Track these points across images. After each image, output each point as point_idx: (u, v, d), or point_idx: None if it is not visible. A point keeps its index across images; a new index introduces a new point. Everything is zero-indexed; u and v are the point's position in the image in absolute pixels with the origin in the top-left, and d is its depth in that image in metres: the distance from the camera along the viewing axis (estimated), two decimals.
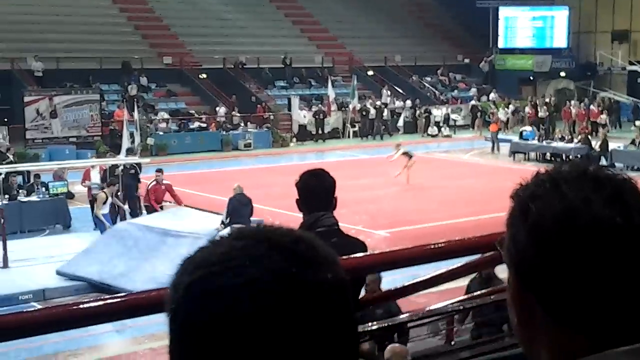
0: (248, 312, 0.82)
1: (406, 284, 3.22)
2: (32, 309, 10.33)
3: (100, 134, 30.72)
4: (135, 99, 31.46)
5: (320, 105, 35.70)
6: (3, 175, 17.89)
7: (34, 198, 18.57)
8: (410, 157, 23.51)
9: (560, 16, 44.83)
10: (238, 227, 0.93)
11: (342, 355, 0.87)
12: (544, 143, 28.53)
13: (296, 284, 0.85)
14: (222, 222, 15.59)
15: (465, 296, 5.06)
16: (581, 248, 0.96)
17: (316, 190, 3.84)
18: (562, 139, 28.69)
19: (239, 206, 16.14)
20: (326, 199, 3.82)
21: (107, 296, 2.35)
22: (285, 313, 0.83)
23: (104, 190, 17.15)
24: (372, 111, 35.75)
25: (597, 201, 0.97)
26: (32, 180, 20.05)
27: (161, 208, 17.33)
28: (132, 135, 25.91)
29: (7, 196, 17.18)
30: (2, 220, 14.54)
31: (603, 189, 0.99)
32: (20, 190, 18.76)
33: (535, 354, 1.01)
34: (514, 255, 1.02)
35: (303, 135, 34.46)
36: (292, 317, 0.83)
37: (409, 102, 38.08)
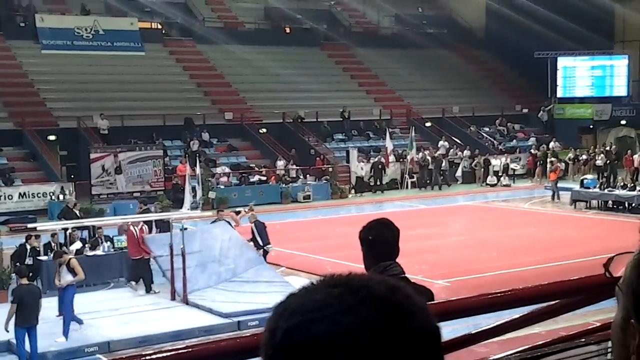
0: (346, 359, 0.84)
1: (471, 332, 3.27)
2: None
3: (163, 188, 31.32)
4: (197, 154, 32.08)
5: (378, 157, 35.86)
6: (70, 230, 18.42)
7: (99, 252, 18.98)
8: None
9: (620, 65, 44.44)
10: (330, 273, 0.95)
11: None
12: (606, 191, 28.10)
13: (392, 333, 0.86)
14: (261, 247, 17.75)
15: (528, 345, 5.00)
16: None
17: (388, 239, 3.94)
18: (624, 186, 28.22)
19: (263, 229, 18.02)
20: (395, 248, 3.93)
21: (186, 344, 2.43)
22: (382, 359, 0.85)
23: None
24: (430, 161, 35.77)
25: None
26: (96, 235, 20.51)
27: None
28: (194, 189, 26.37)
29: (73, 250, 17.58)
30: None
31: None
32: (86, 245, 19.19)
33: None
34: None
35: (361, 186, 34.59)
36: None
37: (467, 152, 37.99)
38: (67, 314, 13.74)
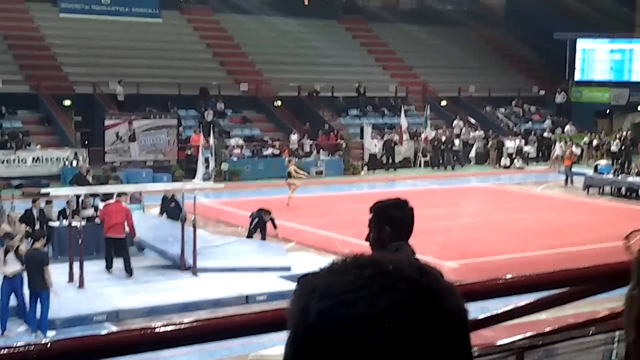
0: (381, 341, 0.85)
1: (479, 317, 3.24)
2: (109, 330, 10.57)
3: (176, 158, 31.35)
4: (211, 125, 32.04)
5: (392, 134, 35.72)
6: (82, 197, 18.48)
7: None
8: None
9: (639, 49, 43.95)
10: (354, 253, 0.95)
11: None
12: (619, 177, 27.91)
13: (425, 315, 0.88)
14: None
15: (535, 332, 4.98)
16: None
17: (408, 219, 3.93)
18: (638, 173, 28.02)
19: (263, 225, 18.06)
20: (409, 229, 3.91)
21: (207, 317, 2.38)
22: (414, 343, 0.86)
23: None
24: (443, 141, 35.64)
25: None
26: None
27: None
28: (207, 160, 26.36)
29: (85, 217, 17.64)
30: (80, 241, 14.93)
31: None
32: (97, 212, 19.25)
33: None
34: None
35: (374, 163, 34.50)
36: (420, 347, 0.87)
37: (479, 133, 37.80)
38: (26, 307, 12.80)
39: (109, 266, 15.77)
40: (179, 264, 15.93)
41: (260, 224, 18.12)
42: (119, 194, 17.15)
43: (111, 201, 16.67)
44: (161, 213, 19.09)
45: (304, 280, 0.94)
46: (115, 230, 15.72)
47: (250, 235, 18.24)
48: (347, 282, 0.90)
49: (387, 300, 0.87)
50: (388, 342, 0.86)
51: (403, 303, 0.88)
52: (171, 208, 18.73)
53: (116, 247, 15.77)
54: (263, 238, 18.13)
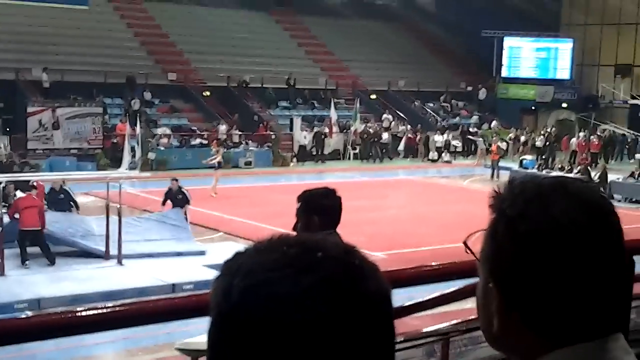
0: (303, 319, 0.85)
1: (404, 304, 3.23)
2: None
3: (101, 146, 30.77)
4: (138, 114, 31.54)
5: (321, 127, 35.80)
6: (3, 185, 17.93)
7: None
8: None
9: (565, 48, 45.06)
10: (279, 233, 0.95)
11: None
12: (544, 172, 28.57)
13: (349, 293, 0.87)
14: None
15: (461, 319, 5.06)
16: (569, 267, 1.06)
17: (336, 208, 3.90)
18: (561, 169, 28.74)
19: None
20: (337, 218, 3.89)
21: (132, 300, 2.32)
22: (337, 322, 0.85)
23: None
24: (371, 134, 35.89)
25: (584, 223, 1.07)
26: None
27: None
28: (133, 149, 25.98)
29: (5, 205, 17.13)
30: (1, 229, 14.51)
31: (588, 210, 1.08)
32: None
33: (508, 352, 1.13)
34: (498, 268, 1.10)
35: (303, 155, 34.53)
36: (343, 326, 0.86)
37: (403, 127, 38.20)
38: None
39: (24, 259, 15.19)
40: (100, 254, 15.64)
41: (170, 195, 18.16)
42: (29, 189, 16.64)
43: (22, 195, 16.10)
44: (48, 207, 17.82)
45: (229, 259, 0.93)
46: (31, 222, 15.18)
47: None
48: (272, 260, 0.89)
49: (311, 278, 0.86)
50: (311, 320, 0.85)
51: (327, 281, 0.87)
52: (59, 199, 18.07)
53: (33, 239, 15.30)
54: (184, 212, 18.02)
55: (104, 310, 2.14)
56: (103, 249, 15.69)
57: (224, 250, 16.01)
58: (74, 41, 36.54)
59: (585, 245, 1.06)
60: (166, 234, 16.98)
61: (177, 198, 18.33)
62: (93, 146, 30.65)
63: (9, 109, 31.86)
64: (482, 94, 44.30)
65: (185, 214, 18.08)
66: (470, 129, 39.74)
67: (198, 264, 14.86)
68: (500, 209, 1.11)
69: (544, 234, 1.05)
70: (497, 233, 1.10)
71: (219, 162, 25.26)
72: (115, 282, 13.88)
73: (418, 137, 37.61)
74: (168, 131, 33.13)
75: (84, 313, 2.12)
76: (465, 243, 1.22)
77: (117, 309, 2.18)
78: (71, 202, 18.54)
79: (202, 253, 16.06)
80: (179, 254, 15.93)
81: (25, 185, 17.58)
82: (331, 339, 0.85)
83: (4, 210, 15.74)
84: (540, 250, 1.05)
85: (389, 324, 0.92)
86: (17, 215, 15.36)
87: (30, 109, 29.86)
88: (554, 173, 28.19)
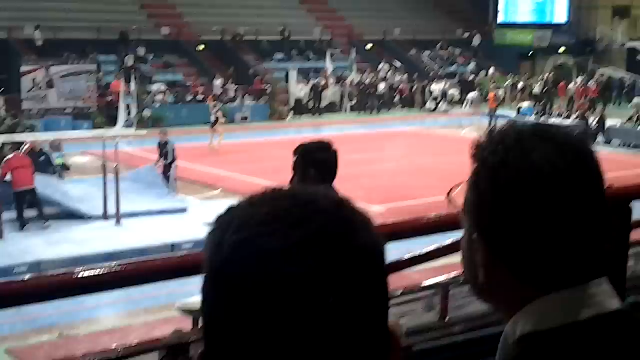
0: (293, 273, 0.83)
1: (402, 258, 3.22)
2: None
3: (96, 105, 30.61)
4: (132, 70, 31.31)
5: (318, 79, 35.58)
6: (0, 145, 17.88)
7: None
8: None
9: None
10: (273, 187, 0.93)
11: (378, 316, 0.90)
12: (542, 119, 28.50)
13: (340, 247, 0.86)
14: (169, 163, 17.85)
15: (459, 272, 5.06)
16: (550, 213, 1.07)
17: (329, 162, 3.88)
18: (559, 115, 28.67)
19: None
20: (333, 172, 3.86)
21: (129, 261, 2.33)
22: (328, 275, 0.85)
23: None
24: (368, 85, 35.70)
25: (564, 168, 1.08)
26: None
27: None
28: (128, 107, 25.83)
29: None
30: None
31: (569, 155, 1.09)
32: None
33: (495, 302, 1.16)
34: (481, 217, 1.11)
35: (300, 108, 34.38)
36: (335, 278, 0.85)
37: (399, 77, 37.95)
38: None
39: (23, 224, 15.08)
40: (98, 215, 15.64)
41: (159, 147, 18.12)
42: (16, 147, 16.50)
43: (11, 156, 15.76)
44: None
45: (221, 213, 0.91)
46: (25, 182, 15.12)
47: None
48: (263, 214, 0.87)
49: (301, 231, 0.85)
50: (300, 274, 0.84)
51: (317, 235, 0.86)
52: (41, 162, 17.75)
53: (30, 199, 15.23)
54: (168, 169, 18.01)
55: (103, 271, 2.16)
56: (85, 210, 15.70)
57: (223, 207, 16.01)
58: None
59: (566, 190, 1.07)
60: (143, 193, 16.87)
61: (163, 151, 18.27)
62: (88, 105, 30.48)
63: (2, 69, 31.58)
64: (477, 40, 43.93)
65: (168, 168, 17.95)
66: (470, 78, 39.46)
67: (198, 222, 14.89)
68: (481, 158, 1.12)
69: (525, 181, 1.07)
70: (479, 182, 1.11)
71: (217, 118, 25.17)
72: (115, 243, 13.82)
73: (415, 86, 37.40)
74: (163, 87, 32.91)
75: (82, 274, 2.13)
76: (448, 195, 1.23)
77: (116, 269, 2.19)
78: (53, 164, 18.46)
79: (183, 210, 16.13)
80: (161, 212, 15.89)
81: (19, 146, 17.46)
82: (322, 293, 0.84)
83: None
84: (521, 197, 1.07)
85: (382, 278, 0.91)
86: (8, 177, 15.15)
87: (23, 68, 29.62)
88: (552, 120, 28.14)
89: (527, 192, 1.07)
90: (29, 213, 15.35)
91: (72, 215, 15.79)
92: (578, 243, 1.08)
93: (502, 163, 1.09)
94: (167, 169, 18.10)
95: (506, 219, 1.07)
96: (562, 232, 1.07)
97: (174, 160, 18.13)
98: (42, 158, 18.01)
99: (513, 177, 1.07)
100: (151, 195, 16.99)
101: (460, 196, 1.17)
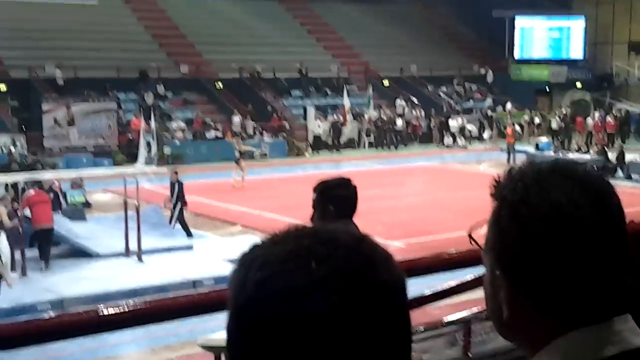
0: (317, 310, 0.85)
1: (424, 293, 3.23)
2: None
3: (117, 142, 30.85)
4: (152, 108, 31.60)
5: (335, 115, 35.72)
6: (22, 184, 17.99)
7: None
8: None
9: (577, 27, 44.67)
10: (295, 225, 0.96)
11: (401, 352, 0.91)
12: (560, 154, 28.40)
13: (362, 283, 0.87)
14: (172, 204, 17.66)
15: (482, 307, 5.04)
16: (571, 248, 1.08)
17: (352, 198, 3.91)
18: (578, 150, 28.56)
19: (182, 189, 17.83)
20: (353, 208, 3.90)
21: (151, 297, 2.33)
22: (350, 312, 0.86)
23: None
24: (386, 121, 35.79)
25: (585, 205, 1.09)
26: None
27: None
28: (148, 144, 26.05)
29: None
30: (21, 229, 14.57)
31: (589, 192, 1.10)
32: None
33: (519, 339, 1.15)
34: (503, 255, 1.12)
35: (318, 144, 34.49)
36: (358, 315, 0.86)
37: (415, 113, 38.04)
38: None
39: (47, 260, 15.00)
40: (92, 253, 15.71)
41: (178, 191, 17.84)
42: (34, 184, 16.59)
43: (31, 192, 15.74)
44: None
45: (245, 251, 0.94)
46: (45, 219, 15.11)
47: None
48: (286, 252, 0.89)
49: (324, 268, 0.87)
50: (324, 311, 0.85)
51: (339, 271, 0.87)
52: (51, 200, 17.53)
53: (46, 238, 15.16)
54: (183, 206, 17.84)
55: (126, 309, 2.15)
56: (94, 248, 15.79)
57: (243, 243, 15.98)
58: (85, 37, 36.60)
59: (587, 227, 1.08)
60: (149, 232, 16.74)
61: (173, 190, 17.99)
62: (108, 142, 30.75)
63: (24, 108, 32.02)
64: (490, 76, 44.02)
65: (176, 208, 17.72)
66: (489, 113, 39.42)
67: (218, 259, 14.90)
68: (501, 196, 1.13)
69: (546, 218, 1.07)
70: (501, 220, 1.12)
71: (241, 152, 25.21)
72: (137, 280, 13.90)
73: (432, 122, 37.47)
74: (182, 124, 33.16)
75: (105, 311, 2.12)
76: (469, 234, 1.23)
77: (139, 306, 2.19)
78: (61, 202, 18.50)
79: (189, 248, 16.31)
80: (168, 250, 16.00)
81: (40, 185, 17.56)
82: (346, 329, 0.85)
83: (22, 210, 15.80)
84: (543, 234, 1.07)
85: (404, 314, 0.92)
86: (27, 213, 15.10)
87: (45, 107, 29.97)
88: (571, 155, 28.03)
89: (548, 229, 1.07)
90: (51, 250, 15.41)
91: (81, 253, 15.82)
92: (601, 279, 1.08)
93: (523, 201, 1.09)
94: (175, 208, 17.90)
95: (529, 256, 1.08)
96: (584, 268, 1.07)
97: (178, 201, 17.78)
98: (51, 195, 18.08)
99: (534, 214, 1.08)
100: (156, 234, 16.99)
101: (481, 233, 1.19)
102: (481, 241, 1.18)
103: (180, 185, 17.98)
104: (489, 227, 1.14)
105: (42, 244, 15.18)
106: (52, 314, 2.40)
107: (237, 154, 25.08)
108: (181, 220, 17.63)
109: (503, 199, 1.12)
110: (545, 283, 1.08)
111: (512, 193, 1.11)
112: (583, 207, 1.08)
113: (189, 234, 17.43)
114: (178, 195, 17.74)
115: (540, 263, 1.07)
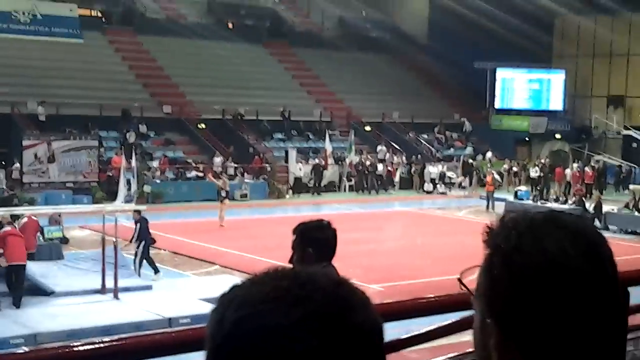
0: (294, 351, 0.86)
1: (401, 337, 3.23)
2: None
3: (97, 180, 30.75)
4: (133, 147, 31.59)
5: (317, 159, 35.88)
6: None
7: None
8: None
9: (557, 79, 45.36)
10: (275, 266, 0.97)
11: None
12: (539, 203, 28.62)
13: (338, 326, 0.89)
14: (132, 241, 17.36)
15: (458, 353, 5.01)
16: (562, 297, 1.07)
17: (328, 241, 3.92)
18: (556, 199, 28.79)
19: (146, 227, 17.56)
20: (332, 250, 3.90)
21: (127, 335, 2.30)
22: (329, 353, 0.87)
23: None
24: (367, 166, 35.99)
25: (577, 255, 1.08)
26: None
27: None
28: (129, 182, 25.98)
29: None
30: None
31: (581, 243, 1.10)
32: None
33: None
34: (494, 302, 1.11)
35: (299, 187, 34.55)
36: (335, 357, 0.87)
37: (396, 159, 38.29)
38: None
39: (20, 296, 14.68)
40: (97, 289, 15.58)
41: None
42: (12, 220, 16.39)
43: (7, 228, 15.48)
44: None
45: (225, 291, 0.95)
46: (18, 256, 14.82)
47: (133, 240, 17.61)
48: (264, 292, 0.91)
49: (301, 310, 0.88)
50: (301, 353, 0.86)
51: (317, 313, 0.88)
52: None
53: (17, 275, 14.82)
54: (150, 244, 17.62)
55: (100, 345, 2.12)
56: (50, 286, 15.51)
57: (220, 283, 15.94)
58: (69, 74, 36.70)
59: (579, 277, 1.07)
60: (107, 272, 16.34)
61: (135, 229, 17.68)
62: (89, 179, 30.63)
63: (5, 143, 31.88)
64: (468, 126, 44.48)
65: (140, 246, 17.38)
66: (469, 160, 39.70)
67: (194, 298, 14.81)
68: (494, 244, 1.12)
69: (539, 267, 1.07)
70: (493, 267, 1.11)
71: (226, 192, 25.17)
72: (112, 317, 13.79)
73: (413, 168, 37.69)
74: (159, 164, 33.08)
75: (80, 348, 2.09)
76: (459, 279, 1.24)
77: (114, 343, 2.16)
78: None
79: (149, 288, 16.07)
80: (126, 289, 15.67)
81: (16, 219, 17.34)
82: None
83: None
84: (536, 283, 1.07)
85: (380, 356, 0.93)
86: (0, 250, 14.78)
87: (25, 142, 29.87)
88: (549, 204, 28.25)
89: (540, 278, 1.06)
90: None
91: (37, 291, 15.45)
92: (592, 329, 1.07)
93: (516, 249, 1.09)
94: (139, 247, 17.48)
95: (520, 304, 1.07)
96: (575, 319, 1.06)
97: (142, 239, 17.41)
98: None
99: (527, 262, 1.07)
100: (126, 273, 16.70)
101: (471, 279, 1.19)
102: (471, 286, 1.18)
103: (144, 222, 17.72)
104: (480, 273, 1.14)
105: (12, 282, 14.84)
106: (26, 349, 2.37)
107: (223, 194, 25.06)
108: (147, 257, 17.44)
109: (496, 247, 1.12)
110: (536, 332, 1.07)
111: (506, 241, 1.10)
112: (575, 257, 1.08)
113: (156, 270, 17.22)
114: (140, 233, 17.48)
115: (531, 311, 1.07)
